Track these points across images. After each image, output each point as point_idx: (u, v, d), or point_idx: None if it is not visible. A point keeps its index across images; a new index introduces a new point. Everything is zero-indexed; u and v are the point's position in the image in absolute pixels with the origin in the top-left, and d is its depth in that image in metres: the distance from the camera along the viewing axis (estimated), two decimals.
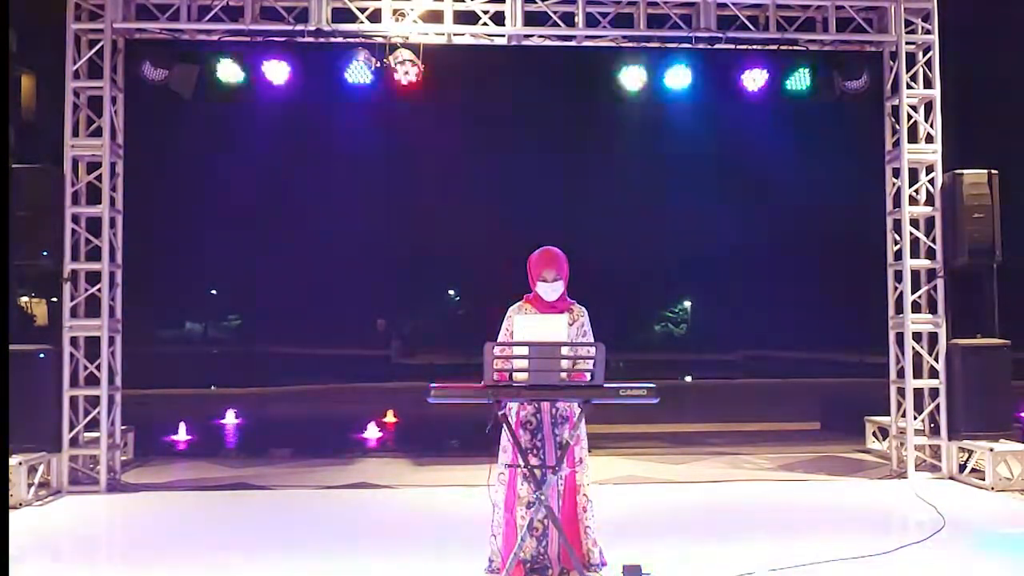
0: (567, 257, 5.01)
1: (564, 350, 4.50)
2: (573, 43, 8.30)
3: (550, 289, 4.92)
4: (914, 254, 8.28)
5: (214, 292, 39.06)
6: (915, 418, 8.18)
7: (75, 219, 7.79)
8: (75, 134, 7.80)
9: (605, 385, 4.44)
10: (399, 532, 6.27)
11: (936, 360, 8.21)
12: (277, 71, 7.93)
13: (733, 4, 8.11)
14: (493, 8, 8.02)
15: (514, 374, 4.51)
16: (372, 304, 35.10)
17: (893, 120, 8.47)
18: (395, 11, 7.96)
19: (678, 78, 8.16)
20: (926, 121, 8.34)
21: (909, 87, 8.33)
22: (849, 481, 8.06)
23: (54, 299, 8.34)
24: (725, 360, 28.45)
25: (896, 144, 8.42)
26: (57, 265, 7.66)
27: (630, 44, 8.27)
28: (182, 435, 10.74)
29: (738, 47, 8.21)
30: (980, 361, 7.95)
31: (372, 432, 11.13)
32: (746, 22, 8.17)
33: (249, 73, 7.94)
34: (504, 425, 4.69)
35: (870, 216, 8.92)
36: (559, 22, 8.07)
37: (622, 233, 32.54)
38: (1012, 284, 8.58)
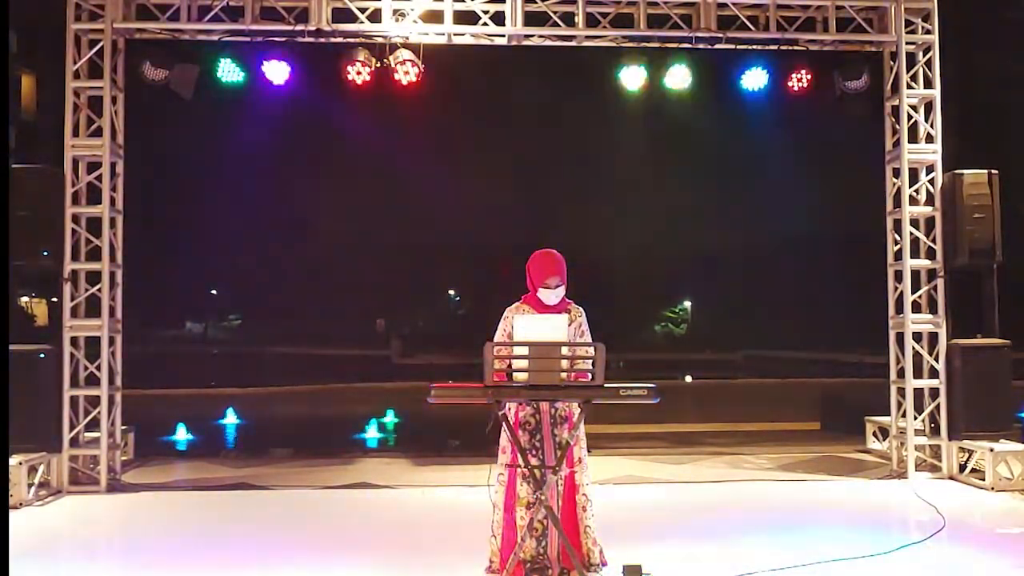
0: (565, 258, 5.02)
1: (564, 350, 4.51)
2: (573, 43, 8.29)
3: (553, 295, 4.95)
4: (914, 254, 8.28)
5: (214, 292, 39.08)
6: (915, 418, 8.18)
7: (75, 219, 7.78)
8: (75, 134, 7.80)
9: (605, 385, 4.44)
10: (399, 532, 6.26)
11: (936, 360, 8.21)
12: (277, 71, 7.93)
13: (733, 4, 8.11)
14: (493, 8, 8.01)
15: (514, 374, 4.51)
16: (372, 304, 35.12)
17: (893, 120, 8.47)
18: (395, 11, 7.96)
19: (678, 78, 8.17)
20: (926, 121, 8.34)
21: (909, 87, 8.33)
22: (849, 481, 8.06)
23: (54, 299, 8.32)
24: (725, 360, 28.44)
25: (896, 144, 8.42)
26: (57, 265, 7.66)
27: (630, 44, 8.27)
28: (182, 435, 10.75)
29: (738, 47, 8.21)
30: (980, 361, 7.95)
31: (372, 432, 11.13)
32: (746, 22, 8.17)
33: (249, 73, 7.95)
34: (504, 425, 4.69)
35: (870, 216, 8.93)
36: (559, 22, 8.07)
37: (622, 233, 32.57)
38: (1012, 284, 8.59)
